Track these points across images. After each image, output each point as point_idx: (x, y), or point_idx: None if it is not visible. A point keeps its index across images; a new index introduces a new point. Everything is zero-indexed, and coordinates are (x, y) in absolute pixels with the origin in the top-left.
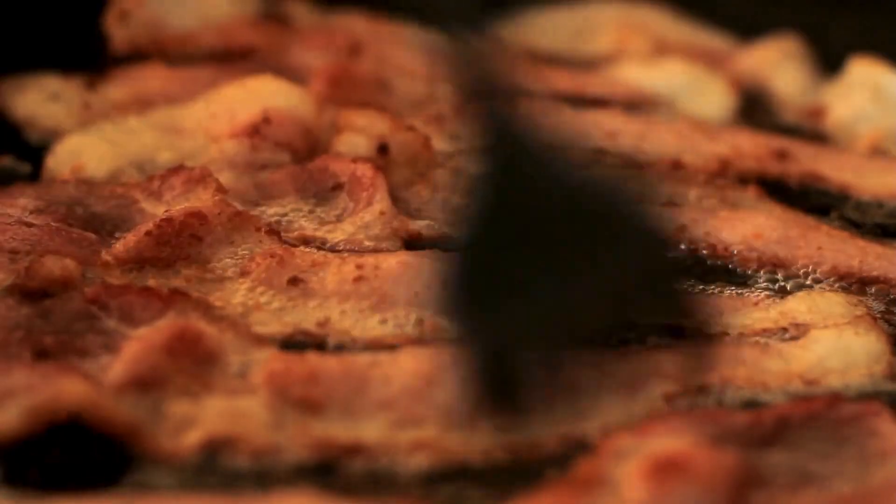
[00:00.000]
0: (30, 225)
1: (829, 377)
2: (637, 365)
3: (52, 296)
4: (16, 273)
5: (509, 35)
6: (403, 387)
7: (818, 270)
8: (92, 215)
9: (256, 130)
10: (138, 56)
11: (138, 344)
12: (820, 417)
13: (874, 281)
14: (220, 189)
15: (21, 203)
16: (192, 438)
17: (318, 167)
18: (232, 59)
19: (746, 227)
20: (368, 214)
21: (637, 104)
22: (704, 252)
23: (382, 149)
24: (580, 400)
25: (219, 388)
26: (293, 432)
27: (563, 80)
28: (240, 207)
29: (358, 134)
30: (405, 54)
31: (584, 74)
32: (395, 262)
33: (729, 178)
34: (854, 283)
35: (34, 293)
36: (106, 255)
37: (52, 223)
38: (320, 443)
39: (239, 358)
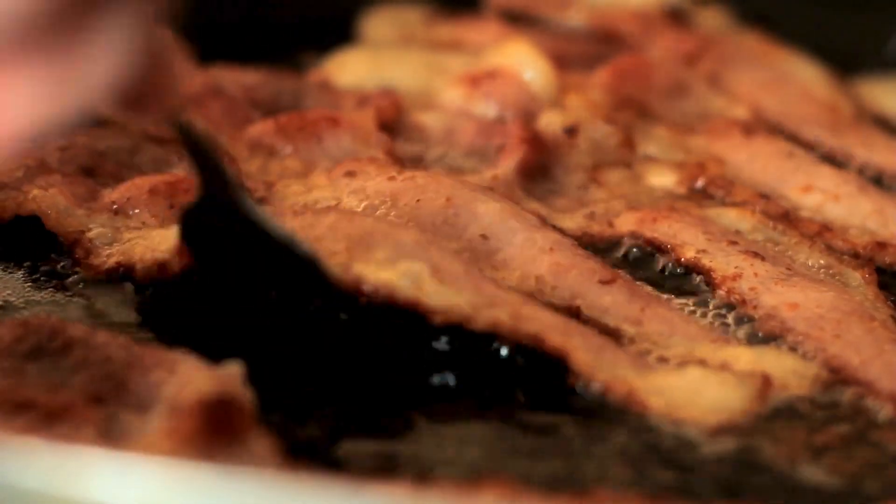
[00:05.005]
0: (219, 93)
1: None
2: None
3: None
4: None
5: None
6: None
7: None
8: (279, 102)
9: (477, 83)
10: (508, 11)
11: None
12: None
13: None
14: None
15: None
16: None
17: (498, 128)
18: (595, 39)
19: (795, 297)
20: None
21: None
22: (734, 298)
23: (570, 131)
24: None
25: None
26: None
27: None
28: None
29: (559, 112)
30: (741, 77)
31: None
32: None
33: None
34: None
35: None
36: (244, 133)
37: (243, 98)
38: None
39: None
